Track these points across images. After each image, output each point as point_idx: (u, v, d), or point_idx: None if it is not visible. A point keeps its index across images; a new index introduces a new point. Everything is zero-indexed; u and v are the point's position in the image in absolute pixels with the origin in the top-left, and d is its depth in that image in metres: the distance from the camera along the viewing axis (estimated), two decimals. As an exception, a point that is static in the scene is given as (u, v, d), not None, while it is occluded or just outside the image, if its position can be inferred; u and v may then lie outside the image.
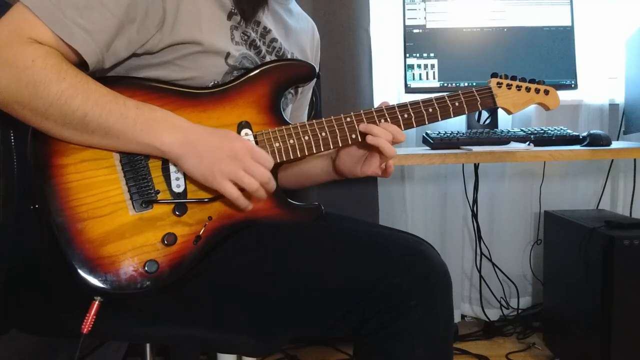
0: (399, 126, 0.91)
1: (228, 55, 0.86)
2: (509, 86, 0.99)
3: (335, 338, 1.77)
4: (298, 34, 1.04)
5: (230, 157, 0.78)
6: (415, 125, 0.93)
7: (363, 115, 0.90)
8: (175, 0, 0.80)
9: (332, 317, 0.80)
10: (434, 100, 0.93)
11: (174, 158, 0.78)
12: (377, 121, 0.90)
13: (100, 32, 0.75)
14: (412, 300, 0.76)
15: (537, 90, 1.02)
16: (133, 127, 0.75)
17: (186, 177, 0.81)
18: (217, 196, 0.81)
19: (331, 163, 1.01)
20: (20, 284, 0.83)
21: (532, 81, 1.02)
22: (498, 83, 0.99)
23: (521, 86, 1.00)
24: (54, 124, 0.73)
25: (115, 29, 0.76)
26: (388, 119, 0.90)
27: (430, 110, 0.93)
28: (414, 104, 0.92)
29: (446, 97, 0.94)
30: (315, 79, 0.98)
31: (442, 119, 0.94)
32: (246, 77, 0.87)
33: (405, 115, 0.91)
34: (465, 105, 0.95)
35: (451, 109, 0.94)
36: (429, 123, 0.93)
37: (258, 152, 0.80)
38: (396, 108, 0.91)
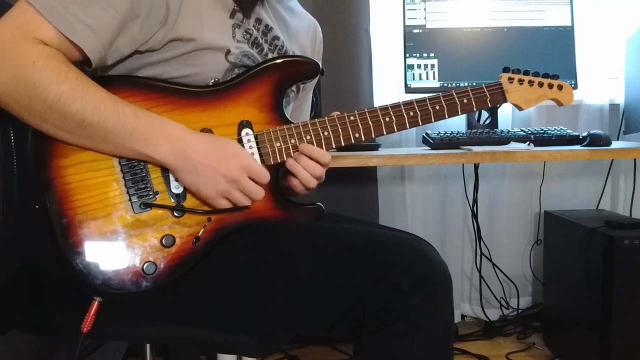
0: (404, 125, 0.90)
1: (228, 52, 0.85)
2: (520, 81, 0.96)
3: (335, 338, 1.76)
4: (298, 33, 1.04)
5: (227, 180, 0.78)
6: (421, 124, 0.90)
7: (367, 113, 0.89)
8: None
9: (332, 317, 0.80)
10: (441, 97, 0.91)
11: (170, 169, 0.79)
12: (382, 120, 0.89)
13: (103, 28, 0.75)
14: (412, 300, 0.76)
15: (550, 86, 0.98)
16: (130, 136, 0.75)
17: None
18: (213, 210, 0.81)
19: None
20: (20, 284, 0.82)
21: (545, 76, 0.99)
22: (509, 78, 0.96)
23: (533, 81, 0.97)
24: (51, 126, 0.73)
25: (118, 25, 0.76)
26: (393, 117, 0.89)
27: (438, 107, 0.91)
28: (420, 101, 0.90)
29: (454, 94, 0.92)
30: (318, 76, 0.96)
31: (449, 117, 0.91)
32: (248, 74, 0.86)
33: (411, 113, 0.90)
34: (474, 102, 0.92)
35: (459, 106, 0.92)
36: (435, 121, 0.91)
37: (255, 170, 0.80)
38: (402, 106, 0.90)
